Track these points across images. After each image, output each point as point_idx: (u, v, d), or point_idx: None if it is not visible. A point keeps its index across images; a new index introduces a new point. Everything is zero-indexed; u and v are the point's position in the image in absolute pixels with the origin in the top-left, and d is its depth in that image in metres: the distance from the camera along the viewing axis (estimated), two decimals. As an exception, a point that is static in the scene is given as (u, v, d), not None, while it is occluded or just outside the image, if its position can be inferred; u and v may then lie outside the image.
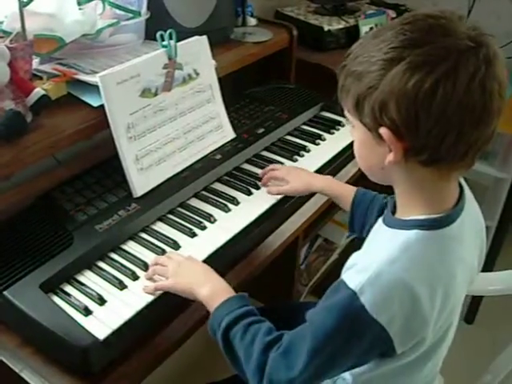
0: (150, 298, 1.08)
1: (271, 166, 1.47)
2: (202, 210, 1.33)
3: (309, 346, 0.87)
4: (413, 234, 0.86)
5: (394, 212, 0.95)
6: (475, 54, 0.77)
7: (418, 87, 0.77)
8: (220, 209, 1.35)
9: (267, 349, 0.91)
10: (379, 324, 0.83)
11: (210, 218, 1.31)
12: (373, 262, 0.84)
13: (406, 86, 0.78)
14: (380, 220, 0.97)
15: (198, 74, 1.46)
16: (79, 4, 1.39)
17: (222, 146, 1.53)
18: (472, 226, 0.95)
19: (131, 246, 1.22)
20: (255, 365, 0.91)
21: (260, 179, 1.46)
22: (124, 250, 1.20)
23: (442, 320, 0.90)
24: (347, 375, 1.01)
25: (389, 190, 0.99)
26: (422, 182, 0.87)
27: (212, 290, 1.04)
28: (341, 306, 0.85)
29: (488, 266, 2.26)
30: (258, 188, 1.43)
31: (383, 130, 0.82)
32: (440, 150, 0.81)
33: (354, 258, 0.90)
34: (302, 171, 1.43)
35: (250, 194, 1.41)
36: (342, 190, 1.33)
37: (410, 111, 0.79)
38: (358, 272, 0.86)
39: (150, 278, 1.12)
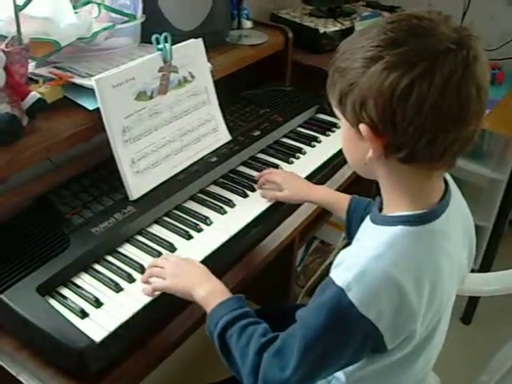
0: (147, 299, 1.09)
1: (268, 170, 1.48)
2: (198, 213, 1.33)
3: (300, 345, 0.87)
4: (398, 229, 0.87)
5: (381, 209, 0.96)
6: (453, 57, 0.77)
7: (394, 87, 0.78)
8: (216, 211, 1.35)
9: (262, 350, 0.92)
10: (368, 320, 0.83)
11: (205, 220, 1.31)
12: (359, 259, 0.85)
13: (383, 85, 0.79)
14: (368, 218, 0.97)
15: (193, 76, 1.46)
16: (75, 8, 1.39)
17: (218, 148, 1.53)
18: (459, 222, 0.96)
19: (127, 249, 1.22)
20: (250, 366, 0.92)
21: (256, 182, 1.46)
22: (120, 253, 1.20)
23: (431, 314, 0.91)
24: (340, 374, 1.01)
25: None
26: (404, 178, 0.88)
27: (209, 291, 1.04)
28: (329, 303, 0.85)
29: (485, 266, 2.27)
30: (253, 190, 1.44)
31: (362, 127, 0.83)
32: (417, 149, 0.82)
33: (342, 255, 0.91)
34: (299, 180, 1.43)
35: (245, 196, 1.41)
36: (337, 199, 1.33)
37: (387, 109, 0.80)
38: (345, 269, 0.86)
39: (146, 282, 1.12)
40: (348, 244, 1.01)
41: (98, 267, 1.16)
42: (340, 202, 1.32)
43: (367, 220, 0.97)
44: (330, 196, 1.36)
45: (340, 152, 1.60)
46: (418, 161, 0.84)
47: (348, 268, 0.86)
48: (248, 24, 1.92)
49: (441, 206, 0.90)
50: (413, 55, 0.78)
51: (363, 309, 0.83)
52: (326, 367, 0.90)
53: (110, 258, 1.19)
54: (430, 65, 0.77)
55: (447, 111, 0.79)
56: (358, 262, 0.85)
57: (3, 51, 1.14)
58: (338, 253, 1.96)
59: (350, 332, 0.85)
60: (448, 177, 0.96)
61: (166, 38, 1.37)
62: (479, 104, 0.81)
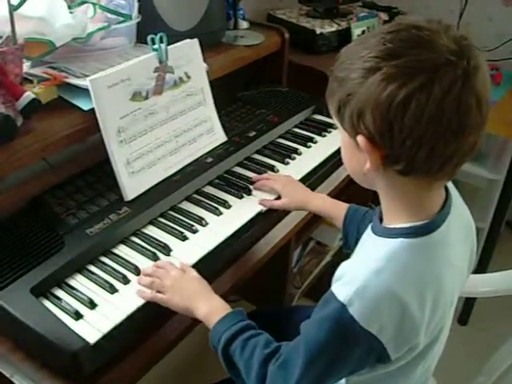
0: (141, 301, 1.08)
1: (267, 176, 1.47)
2: (194, 214, 1.33)
3: (303, 359, 0.87)
4: (398, 242, 0.86)
5: (381, 219, 0.95)
6: (453, 69, 0.76)
7: (392, 99, 0.77)
8: (211, 212, 1.34)
9: (266, 361, 0.93)
10: (371, 333, 0.83)
11: (201, 221, 1.30)
12: (360, 273, 0.84)
13: (380, 97, 0.77)
14: (369, 228, 0.97)
15: (189, 77, 1.46)
16: (70, 8, 1.38)
17: (214, 149, 1.52)
18: (460, 229, 0.94)
19: (122, 250, 1.21)
20: (256, 378, 0.93)
21: (252, 183, 1.45)
22: (115, 254, 1.20)
23: (434, 324, 0.90)
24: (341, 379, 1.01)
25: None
26: (403, 190, 0.87)
27: (209, 308, 1.05)
28: (331, 318, 0.85)
29: (481, 267, 2.27)
30: (249, 191, 1.43)
31: (360, 138, 0.82)
32: (415, 161, 0.80)
33: (343, 267, 0.90)
34: (299, 187, 1.42)
35: (241, 197, 1.41)
36: (336, 208, 1.32)
37: (384, 122, 0.79)
38: (346, 283, 0.86)
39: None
40: (347, 254, 1.01)
41: (92, 268, 1.16)
42: (338, 211, 1.31)
43: (368, 230, 0.96)
44: (329, 206, 1.35)
45: (336, 153, 1.62)
46: (416, 173, 0.83)
47: (349, 282, 0.85)
48: (244, 24, 1.92)
49: (441, 216, 0.89)
50: (411, 67, 0.76)
51: (365, 323, 0.83)
52: (329, 378, 0.90)
53: (104, 259, 1.18)
54: (428, 77, 0.75)
55: (446, 124, 0.77)
56: (358, 276, 0.84)
57: (-3, 51, 1.14)
58: (334, 253, 1.96)
59: (353, 345, 0.85)
60: (449, 184, 0.94)
61: (161, 39, 1.36)
62: (479, 115, 0.79)
